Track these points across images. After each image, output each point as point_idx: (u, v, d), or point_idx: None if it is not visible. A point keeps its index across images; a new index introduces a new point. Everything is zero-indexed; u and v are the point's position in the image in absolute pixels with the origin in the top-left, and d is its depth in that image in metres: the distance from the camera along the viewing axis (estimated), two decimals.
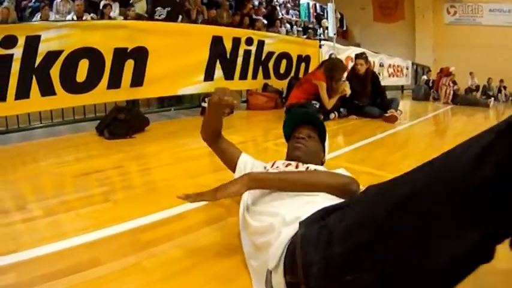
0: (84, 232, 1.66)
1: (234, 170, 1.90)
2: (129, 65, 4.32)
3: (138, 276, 1.36)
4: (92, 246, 1.56)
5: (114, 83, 4.22)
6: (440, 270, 0.75)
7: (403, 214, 0.84)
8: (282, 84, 7.08)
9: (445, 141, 4.62)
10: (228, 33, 5.75)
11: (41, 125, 4.01)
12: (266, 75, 6.76)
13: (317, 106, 5.49)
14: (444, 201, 0.76)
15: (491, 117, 8.17)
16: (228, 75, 5.90)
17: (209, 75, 5.54)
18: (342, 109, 6.09)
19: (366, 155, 3.52)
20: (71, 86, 3.84)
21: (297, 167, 1.64)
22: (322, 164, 1.92)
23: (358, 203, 1.05)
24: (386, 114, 5.85)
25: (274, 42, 6.70)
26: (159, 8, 6.25)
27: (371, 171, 2.97)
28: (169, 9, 6.29)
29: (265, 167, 1.78)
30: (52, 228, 1.74)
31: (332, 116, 5.73)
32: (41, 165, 2.84)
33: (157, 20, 5.96)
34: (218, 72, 5.68)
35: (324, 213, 1.08)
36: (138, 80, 4.47)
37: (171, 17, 6.25)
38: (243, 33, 6.13)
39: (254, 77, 6.50)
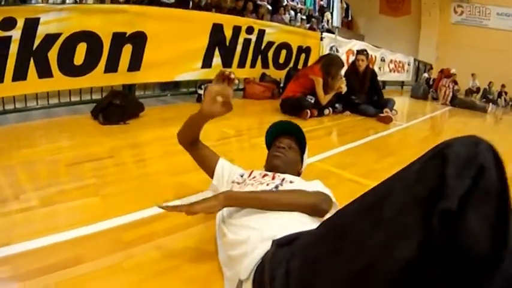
0: (72, 227, 1.78)
1: (212, 176, 1.94)
2: (127, 49, 4.40)
3: (117, 276, 1.49)
4: (78, 242, 1.69)
5: (112, 67, 4.30)
6: (394, 275, 0.83)
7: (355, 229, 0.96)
8: (280, 75, 7.18)
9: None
10: (229, 21, 5.83)
11: (38, 106, 4.09)
12: (265, 65, 6.85)
13: (312, 101, 5.60)
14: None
15: (487, 123, 8.28)
16: (226, 63, 5.98)
17: (207, 63, 5.63)
18: (337, 105, 6.19)
19: (354, 159, 3.62)
20: (69, 68, 3.92)
21: (273, 178, 1.74)
22: (298, 175, 2.04)
23: (320, 226, 1.19)
24: (382, 115, 5.96)
25: (275, 32, 6.77)
26: None
27: (356, 179, 3.08)
28: None
29: (242, 175, 1.87)
30: (43, 222, 1.86)
31: (326, 111, 5.84)
32: (36, 151, 2.93)
33: (165, 3, 5.96)
34: (216, 59, 5.76)
35: (294, 237, 1.23)
36: (135, 64, 4.56)
37: (180, 3, 6.21)
38: (244, 21, 6.21)
39: (252, 65, 6.59)
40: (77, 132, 3.51)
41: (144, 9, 4.59)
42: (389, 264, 0.83)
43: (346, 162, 3.53)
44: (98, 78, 4.22)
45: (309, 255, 1.07)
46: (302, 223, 1.41)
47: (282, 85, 7.07)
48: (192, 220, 1.98)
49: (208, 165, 1.96)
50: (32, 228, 1.78)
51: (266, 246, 1.25)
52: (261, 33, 6.47)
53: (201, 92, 5.63)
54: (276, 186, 1.65)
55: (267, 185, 1.67)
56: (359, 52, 6.57)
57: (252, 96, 6.54)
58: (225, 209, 1.56)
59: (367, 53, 6.62)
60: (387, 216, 0.86)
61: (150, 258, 1.62)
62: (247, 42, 6.24)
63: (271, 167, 1.91)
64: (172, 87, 5.83)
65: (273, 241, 1.24)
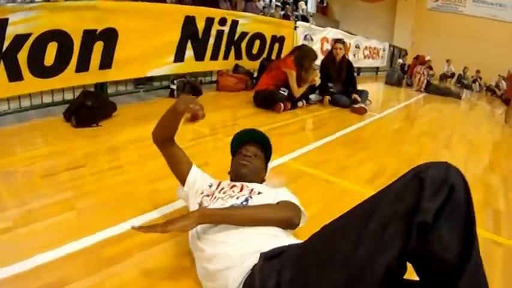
0: (52, 247, 1.86)
1: (183, 183, 2.00)
2: (98, 47, 4.40)
3: None
4: (60, 263, 1.77)
5: (83, 65, 4.30)
6: (378, 277, 1.02)
7: (341, 241, 1.13)
8: (253, 65, 7.25)
9: (407, 142, 4.91)
10: (201, 13, 5.84)
11: (10, 110, 4.04)
12: (238, 56, 6.91)
13: (285, 93, 5.72)
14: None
15: (462, 109, 8.49)
16: (199, 55, 6.03)
17: (179, 56, 5.67)
18: (311, 96, 6.33)
19: (326, 156, 3.76)
20: (39, 70, 3.91)
21: (241, 189, 1.84)
22: (262, 182, 2.18)
23: (308, 240, 1.34)
24: (356, 106, 6.14)
25: (248, 23, 6.81)
26: None
27: (327, 178, 3.22)
28: None
29: (210, 185, 1.95)
30: (23, 243, 1.92)
31: (300, 104, 5.97)
32: (10, 161, 2.94)
33: None
34: (189, 52, 5.80)
35: (282, 250, 1.37)
36: (107, 62, 4.57)
37: None
38: (216, 13, 6.21)
39: (225, 57, 6.64)
40: (51, 138, 3.55)
41: (114, 4, 4.56)
42: (373, 271, 1.02)
43: (319, 159, 3.67)
44: (70, 79, 4.22)
45: (299, 267, 1.20)
46: (276, 236, 1.54)
47: (255, 76, 7.15)
48: (167, 234, 2.08)
49: (180, 170, 2.02)
50: (12, 251, 1.83)
51: (254, 258, 1.36)
52: (234, 24, 6.51)
53: (173, 86, 5.68)
54: (246, 199, 1.74)
55: (237, 198, 1.76)
56: (337, 41, 6.75)
57: (225, 88, 6.61)
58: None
59: (345, 42, 6.81)
60: (372, 229, 1.05)
61: (129, 277, 1.71)
62: (220, 33, 6.28)
63: (238, 175, 2.02)
64: (145, 82, 5.83)
65: (261, 254, 1.36)
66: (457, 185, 1.02)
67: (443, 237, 1.00)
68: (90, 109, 3.89)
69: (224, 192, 1.84)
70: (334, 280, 1.07)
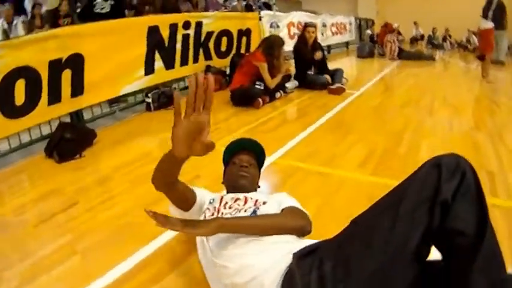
0: None
1: (186, 209, 1.89)
2: (67, 75, 4.35)
3: None
4: None
5: (55, 97, 4.26)
6: (411, 257, 1.15)
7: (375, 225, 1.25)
8: (224, 63, 7.28)
9: (391, 116, 4.97)
10: (163, 21, 5.81)
11: None
12: (207, 57, 6.89)
13: (261, 87, 5.73)
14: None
15: (437, 71, 8.56)
16: (169, 64, 6.02)
17: (149, 68, 5.64)
18: (287, 84, 6.35)
19: (315, 147, 3.80)
20: (11, 111, 3.86)
21: (245, 201, 1.86)
22: (257, 188, 2.21)
23: (341, 234, 1.40)
24: (332, 87, 6.25)
25: (212, 22, 6.81)
26: (99, 0, 5.96)
27: (319, 170, 3.25)
28: (112, 2, 6.03)
29: (211, 201, 1.94)
30: None
31: (278, 95, 6.01)
32: (1, 212, 2.89)
33: (99, 14, 5.84)
34: (158, 63, 5.78)
35: (314, 247, 1.43)
36: (78, 89, 4.52)
37: (115, 11, 6.02)
38: (179, 17, 6.20)
39: (195, 60, 6.62)
40: (37, 179, 3.50)
41: (75, 29, 4.52)
42: (408, 251, 1.14)
43: (308, 151, 3.70)
44: (43, 113, 4.17)
45: (339, 257, 1.26)
46: (289, 242, 1.57)
47: (228, 73, 7.14)
48: (174, 260, 2.08)
49: (184, 203, 1.88)
50: None
51: (287, 259, 1.41)
52: (199, 25, 6.50)
53: (149, 100, 5.64)
54: (254, 211, 1.76)
55: (245, 211, 1.77)
56: (308, 25, 6.89)
57: None
58: (211, 242, 1.64)
59: (315, 25, 6.89)
60: (403, 214, 1.19)
61: None
62: (185, 38, 6.26)
63: (237, 187, 2.03)
64: (119, 100, 5.78)
65: (294, 254, 1.41)
66: (467, 170, 1.18)
67: (461, 213, 1.14)
68: (70, 141, 3.84)
69: (230, 207, 1.84)
70: (374, 264, 1.17)
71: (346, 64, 9.29)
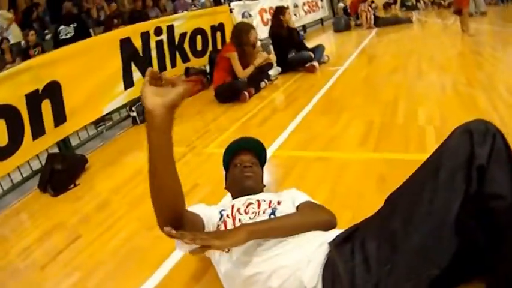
0: None
1: None
2: (46, 105, 4.24)
3: None
4: None
5: (38, 131, 4.14)
6: (454, 224, 1.13)
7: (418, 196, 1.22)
8: (203, 62, 7.18)
9: (381, 87, 4.87)
10: (134, 31, 5.67)
11: None
12: (185, 59, 6.77)
13: (245, 80, 5.64)
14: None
15: (416, 33, 8.49)
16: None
17: (128, 82, 5.50)
18: (270, 72, 6.28)
19: (310, 133, 3.72)
20: None
21: (259, 204, 1.75)
22: (264, 187, 2.12)
23: (378, 213, 1.40)
24: (307, 65, 6.39)
25: (183, 23, 6.67)
26: (62, 27, 5.88)
27: (321, 156, 3.19)
28: (75, 24, 5.95)
29: (221, 213, 1.74)
30: None
31: (263, 84, 5.95)
32: (7, 258, 2.81)
33: (65, 40, 5.73)
34: (136, 74, 5.62)
35: (350, 232, 1.41)
36: (60, 117, 4.41)
37: (79, 33, 5.96)
38: (149, 25, 6.06)
39: (173, 65, 6.50)
40: (37, 217, 3.41)
41: (46, 57, 4.43)
42: (451, 219, 1.13)
43: (304, 138, 3.63)
44: (30, 149, 4.06)
45: (382, 235, 1.25)
46: (319, 235, 1.51)
47: (208, 72, 7.05)
48: (193, 276, 2.02)
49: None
50: None
51: (323, 249, 1.39)
52: (170, 29, 6.37)
53: (134, 113, 5.55)
54: (272, 212, 1.67)
55: (263, 212, 1.68)
56: (283, 8, 6.97)
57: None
58: (234, 254, 1.51)
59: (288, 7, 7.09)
60: (442, 181, 1.18)
61: None
62: (159, 44, 6.13)
63: (245, 189, 1.94)
64: (104, 119, 5.67)
65: (330, 243, 1.39)
66: (496, 134, 1.19)
67: (497, 176, 1.14)
68: (61, 172, 3.76)
69: (246, 212, 1.72)
70: (419, 238, 1.15)
71: (324, 41, 9.19)
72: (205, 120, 5.00)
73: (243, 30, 5.88)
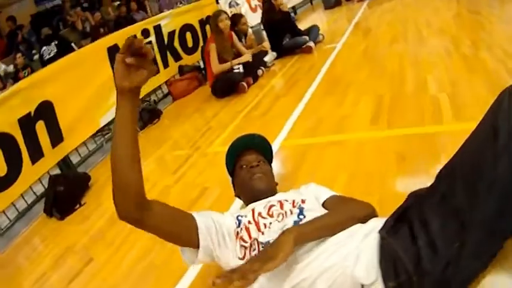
0: None
1: (196, 245, 1.45)
2: (41, 127, 4.14)
3: None
4: None
5: (36, 154, 4.05)
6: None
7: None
8: (196, 58, 7.06)
9: (384, 58, 4.69)
10: (121, 37, 5.55)
11: None
12: (177, 58, 6.69)
13: (240, 70, 5.53)
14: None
15: (409, 1, 8.26)
16: None
17: None
18: (265, 58, 6.13)
19: (317, 117, 3.55)
20: None
21: (282, 205, 1.58)
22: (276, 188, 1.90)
23: (435, 188, 1.25)
24: (303, 47, 6.24)
25: (170, 21, 6.60)
26: (44, 47, 5.85)
27: (332, 140, 3.05)
28: (56, 42, 5.91)
29: (238, 219, 1.57)
30: None
31: (260, 72, 5.82)
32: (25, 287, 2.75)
33: (49, 59, 5.65)
34: None
35: (401, 213, 1.30)
36: (57, 137, 4.31)
37: (62, 49, 5.88)
38: (135, 28, 6.01)
39: (165, 65, 6.43)
40: (47, 243, 3.31)
41: (34, 78, 4.32)
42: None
43: (313, 123, 3.47)
44: (31, 175, 3.97)
45: (446, 211, 1.13)
46: (360, 227, 1.38)
47: (202, 67, 6.90)
48: None
49: (179, 233, 1.44)
50: None
51: (371, 240, 1.26)
52: (158, 29, 6.29)
53: None
54: (301, 212, 1.52)
55: (291, 213, 1.52)
56: None
57: (181, 94, 6.39)
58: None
59: None
60: (501, 145, 1.06)
61: None
62: (149, 46, 5.98)
63: (257, 192, 1.74)
64: (102, 131, 5.55)
65: (380, 231, 1.28)
66: None
67: None
68: (65, 194, 3.68)
69: (271, 215, 1.55)
70: (486, 210, 1.06)
71: (316, 19, 9.04)
72: (205, 118, 4.85)
73: (212, 18, 5.76)
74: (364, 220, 1.43)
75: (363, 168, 2.50)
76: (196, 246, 1.44)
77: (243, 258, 1.45)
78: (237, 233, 1.52)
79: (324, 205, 1.61)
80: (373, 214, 1.51)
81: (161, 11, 8.78)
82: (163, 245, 2.36)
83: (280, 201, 1.60)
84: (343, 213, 1.46)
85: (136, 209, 1.28)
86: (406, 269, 1.13)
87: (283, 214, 1.53)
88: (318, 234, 1.34)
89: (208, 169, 3.38)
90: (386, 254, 1.20)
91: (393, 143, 2.63)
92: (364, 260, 1.21)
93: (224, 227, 1.53)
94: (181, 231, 1.43)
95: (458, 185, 1.14)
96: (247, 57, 5.61)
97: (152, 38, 6.12)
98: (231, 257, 1.49)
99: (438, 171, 1.24)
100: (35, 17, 11.06)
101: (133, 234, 2.78)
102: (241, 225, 1.54)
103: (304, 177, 2.59)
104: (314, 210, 1.52)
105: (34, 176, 4.07)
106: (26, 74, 6.83)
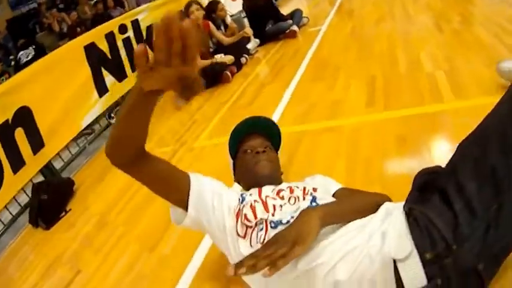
0: None
1: (185, 206, 1.40)
2: (20, 134, 3.95)
3: None
4: None
5: (18, 163, 3.86)
6: None
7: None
8: None
9: (372, 39, 4.59)
10: (97, 35, 5.37)
11: None
12: None
13: (224, 57, 5.49)
14: None
15: None
16: (120, 76, 5.60)
17: (102, 88, 5.23)
18: (248, 46, 6.04)
19: (307, 103, 3.46)
20: None
21: (292, 190, 1.46)
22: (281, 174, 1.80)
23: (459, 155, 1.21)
24: (287, 32, 6.19)
25: (148, 15, 6.40)
26: (21, 52, 5.74)
27: (327, 126, 2.96)
28: (33, 46, 5.78)
29: (243, 196, 1.47)
30: None
31: (243, 60, 5.74)
32: None
33: (26, 62, 5.50)
34: (109, 79, 5.35)
35: (423, 183, 1.27)
36: (37, 143, 4.13)
37: (39, 52, 5.78)
38: (112, 24, 5.74)
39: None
40: (35, 255, 3.18)
41: (9, 83, 4.15)
42: None
43: (304, 109, 3.37)
44: (13, 185, 3.79)
45: (481, 173, 1.08)
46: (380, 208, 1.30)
47: None
48: None
49: (171, 188, 1.40)
50: None
51: (396, 216, 1.19)
52: (135, 24, 6.09)
53: (113, 121, 5.28)
54: (313, 199, 1.40)
55: (304, 199, 1.41)
56: None
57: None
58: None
59: None
60: None
61: None
62: (127, 41, 5.82)
63: (261, 179, 1.59)
64: (84, 133, 5.41)
65: (404, 205, 1.20)
66: None
67: None
68: (49, 202, 3.56)
69: (282, 198, 1.43)
70: None
71: (298, 4, 8.91)
72: (189, 111, 4.71)
73: (184, 10, 5.75)
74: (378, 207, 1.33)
75: (362, 153, 2.41)
76: (185, 209, 1.40)
77: (244, 237, 1.34)
78: (239, 209, 1.40)
79: (334, 196, 1.52)
80: (390, 201, 1.40)
81: (139, 5, 8.64)
82: (151, 252, 2.35)
83: (290, 187, 1.49)
84: (363, 198, 1.43)
85: (127, 159, 1.21)
86: (443, 236, 1.05)
87: (295, 198, 1.42)
88: (342, 216, 1.26)
89: (194, 164, 3.28)
90: (418, 224, 1.11)
91: (392, 125, 2.54)
92: (394, 235, 1.12)
93: (225, 200, 1.44)
94: (170, 190, 1.40)
95: (493, 146, 1.09)
96: (229, 58, 5.48)
97: (130, 33, 5.92)
98: (227, 232, 1.40)
99: (458, 143, 1.20)
100: (11, 22, 10.89)
101: (121, 241, 2.69)
102: (245, 203, 1.42)
103: (300, 167, 2.48)
104: (325, 200, 1.41)
105: (17, 185, 3.90)
106: (4, 80, 6.68)
